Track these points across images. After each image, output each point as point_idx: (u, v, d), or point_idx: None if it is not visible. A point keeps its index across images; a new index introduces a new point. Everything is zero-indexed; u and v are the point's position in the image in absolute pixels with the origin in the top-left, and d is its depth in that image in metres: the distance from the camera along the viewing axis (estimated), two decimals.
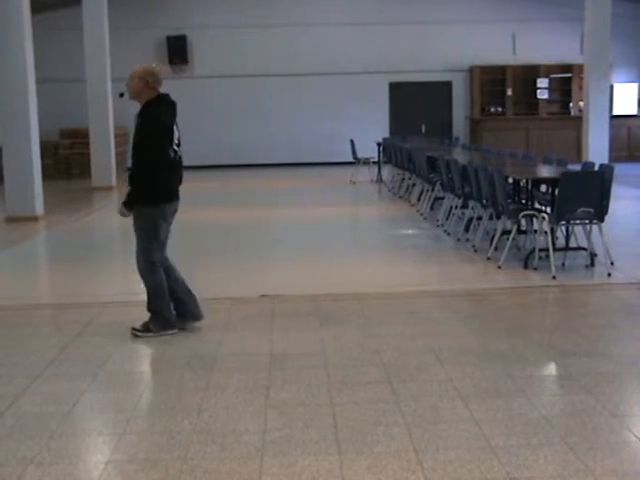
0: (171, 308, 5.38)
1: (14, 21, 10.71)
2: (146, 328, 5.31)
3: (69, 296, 6.65)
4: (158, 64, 5.33)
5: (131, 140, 5.29)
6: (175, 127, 5.24)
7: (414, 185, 12.36)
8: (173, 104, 5.29)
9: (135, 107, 5.31)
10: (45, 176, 11.80)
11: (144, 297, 5.92)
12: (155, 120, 5.12)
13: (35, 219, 10.84)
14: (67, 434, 3.74)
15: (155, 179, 5.11)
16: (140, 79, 5.13)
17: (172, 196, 5.30)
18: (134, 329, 5.33)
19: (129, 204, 5.15)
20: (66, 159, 17.93)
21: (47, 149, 16.52)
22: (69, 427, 3.83)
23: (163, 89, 5.25)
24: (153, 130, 5.11)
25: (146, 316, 5.35)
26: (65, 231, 10.34)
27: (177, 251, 9.08)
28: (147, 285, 5.35)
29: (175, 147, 5.21)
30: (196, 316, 5.46)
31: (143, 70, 5.17)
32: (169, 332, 5.32)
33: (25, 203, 10.88)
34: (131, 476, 3.27)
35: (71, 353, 5.04)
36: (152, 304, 5.34)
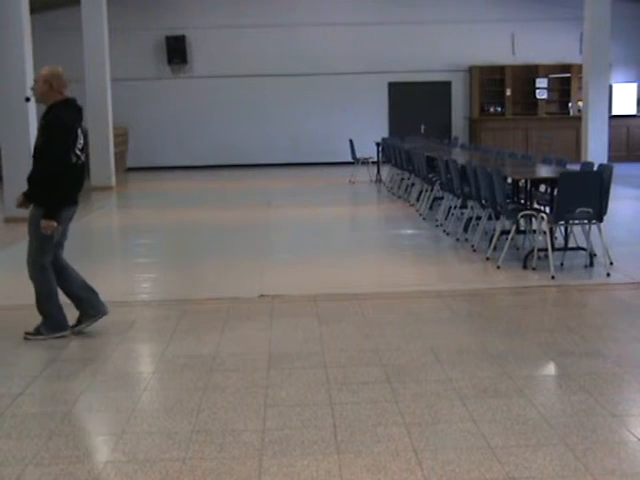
0: (62, 310, 5.32)
1: (13, 21, 10.71)
2: (37, 331, 5.29)
3: None
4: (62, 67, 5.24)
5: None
6: (80, 132, 5.17)
7: (413, 185, 12.36)
8: (79, 109, 5.25)
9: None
10: None
11: (143, 297, 5.93)
12: (59, 123, 5.05)
13: None
14: (66, 434, 3.74)
15: (55, 182, 5.03)
16: (45, 82, 5.08)
17: (70, 200, 5.23)
18: (26, 332, 5.30)
19: (30, 197, 5.09)
20: None
21: None
22: (68, 427, 3.83)
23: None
24: (56, 133, 5.03)
25: (146, 317, 5.35)
26: None
27: (177, 251, 9.14)
28: (37, 287, 5.27)
29: (78, 152, 5.13)
30: (99, 311, 5.38)
31: (48, 73, 5.10)
32: (59, 334, 5.27)
33: None
34: (130, 476, 3.27)
35: (70, 353, 5.04)
36: (42, 306, 5.29)
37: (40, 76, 5.10)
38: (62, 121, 5.06)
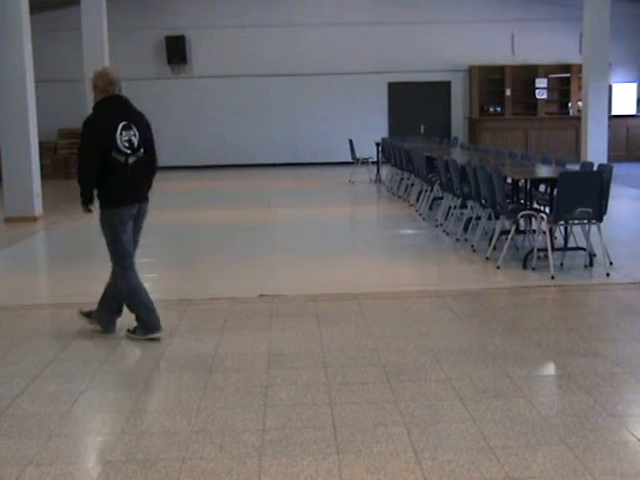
0: (153, 311, 5.30)
1: (13, 21, 10.72)
2: (133, 331, 5.31)
3: (68, 296, 6.65)
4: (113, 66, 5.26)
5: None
6: (127, 129, 5.06)
7: (413, 185, 12.36)
8: (123, 104, 5.17)
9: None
10: (44, 176, 11.79)
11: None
12: (93, 123, 5.05)
13: (34, 219, 10.84)
14: (66, 434, 3.74)
15: (103, 183, 5.06)
16: (94, 86, 5.13)
17: (128, 199, 5.18)
18: (128, 330, 5.33)
19: (85, 199, 5.14)
20: (65, 159, 17.93)
21: (46, 149, 16.51)
22: (68, 427, 3.83)
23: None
24: (90, 133, 5.03)
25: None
26: (64, 231, 10.33)
27: (177, 251, 9.14)
28: (123, 292, 5.27)
29: (125, 149, 5.04)
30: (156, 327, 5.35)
31: (94, 76, 5.14)
32: (151, 336, 5.23)
33: (24, 203, 10.88)
34: (130, 476, 3.27)
35: (70, 353, 5.04)
36: (129, 307, 5.31)
37: (91, 79, 5.13)
38: (96, 122, 5.05)
